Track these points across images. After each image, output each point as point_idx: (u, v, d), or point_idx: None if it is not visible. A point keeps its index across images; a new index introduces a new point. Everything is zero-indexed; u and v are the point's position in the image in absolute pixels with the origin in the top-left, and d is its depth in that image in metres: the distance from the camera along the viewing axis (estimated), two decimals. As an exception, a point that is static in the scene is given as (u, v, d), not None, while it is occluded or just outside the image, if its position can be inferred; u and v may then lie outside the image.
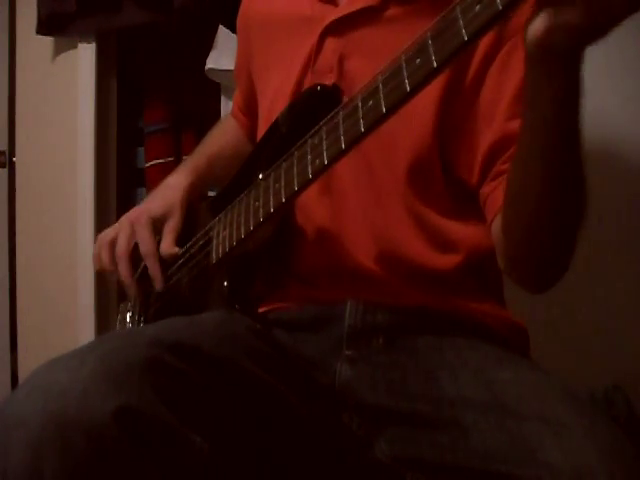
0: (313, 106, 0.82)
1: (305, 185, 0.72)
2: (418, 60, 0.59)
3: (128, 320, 1.03)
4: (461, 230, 0.86)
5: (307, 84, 0.87)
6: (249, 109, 1.07)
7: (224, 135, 1.13)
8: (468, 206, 0.87)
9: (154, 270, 0.93)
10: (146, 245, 0.93)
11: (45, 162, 2.07)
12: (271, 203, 0.76)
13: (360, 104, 0.65)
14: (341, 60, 0.85)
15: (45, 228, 2.07)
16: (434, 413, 0.73)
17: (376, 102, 0.63)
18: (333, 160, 0.68)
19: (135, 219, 0.95)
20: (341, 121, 0.67)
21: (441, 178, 0.85)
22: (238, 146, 1.11)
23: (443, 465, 0.70)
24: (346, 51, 0.85)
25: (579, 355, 1.41)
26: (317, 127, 0.71)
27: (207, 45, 1.70)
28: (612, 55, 1.30)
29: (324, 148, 0.69)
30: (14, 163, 2.14)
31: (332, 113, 0.69)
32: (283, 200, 0.74)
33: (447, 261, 0.85)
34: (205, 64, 1.69)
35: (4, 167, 2.15)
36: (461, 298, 0.85)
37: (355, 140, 0.66)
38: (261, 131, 0.94)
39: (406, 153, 0.83)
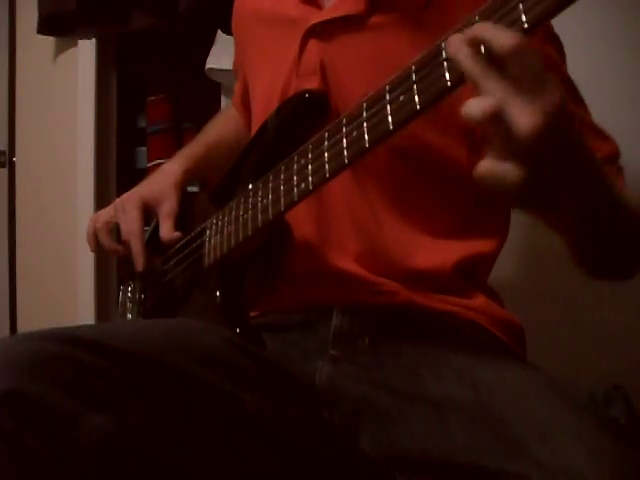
0: (300, 113, 0.83)
1: (291, 206, 0.74)
2: (402, 97, 0.58)
3: (129, 304, 1.05)
4: (454, 231, 0.86)
5: (292, 86, 0.87)
6: (248, 101, 1.07)
7: (225, 124, 1.13)
8: (467, 209, 0.87)
9: (137, 249, 0.93)
10: (132, 223, 0.93)
11: (45, 162, 2.07)
12: (259, 219, 0.78)
13: (345, 131, 0.65)
14: (324, 63, 0.85)
15: (45, 228, 2.07)
16: (417, 410, 0.73)
17: (359, 135, 0.63)
18: (318, 186, 0.70)
19: (126, 199, 0.96)
20: (326, 147, 0.68)
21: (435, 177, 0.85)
22: (238, 136, 1.10)
23: (429, 461, 0.70)
24: (329, 54, 0.85)
25: (579, 355, 1.41)
26: (304, 147, 0.72)
27: (207, 45, 1.70)
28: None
29: (309, 173, 0.70)
30: (14, 163, 2.14)
31: (319, 134, 0.70)
32: (270, 218, 0.76)
33: (436, 261, 0.84)
34: (205, 63, 1.69)
35: (4, 167, 2.14)
36: (450, 295, 0.84)
37: (339, 170, 0.67)
38: (254, 129, 0.95)
39: (390, 150, 0.82)
